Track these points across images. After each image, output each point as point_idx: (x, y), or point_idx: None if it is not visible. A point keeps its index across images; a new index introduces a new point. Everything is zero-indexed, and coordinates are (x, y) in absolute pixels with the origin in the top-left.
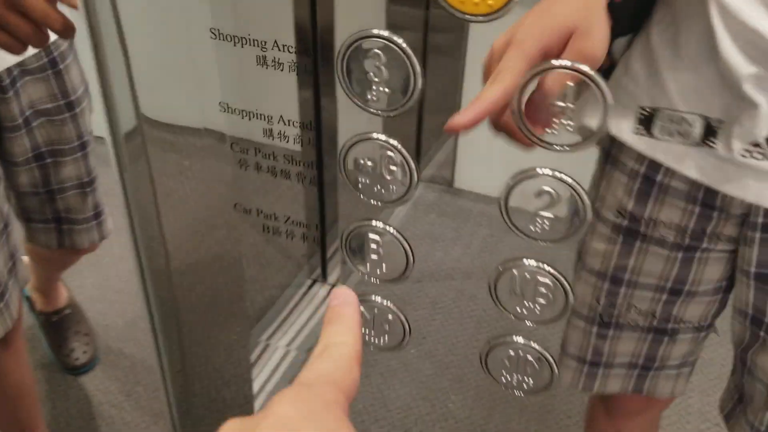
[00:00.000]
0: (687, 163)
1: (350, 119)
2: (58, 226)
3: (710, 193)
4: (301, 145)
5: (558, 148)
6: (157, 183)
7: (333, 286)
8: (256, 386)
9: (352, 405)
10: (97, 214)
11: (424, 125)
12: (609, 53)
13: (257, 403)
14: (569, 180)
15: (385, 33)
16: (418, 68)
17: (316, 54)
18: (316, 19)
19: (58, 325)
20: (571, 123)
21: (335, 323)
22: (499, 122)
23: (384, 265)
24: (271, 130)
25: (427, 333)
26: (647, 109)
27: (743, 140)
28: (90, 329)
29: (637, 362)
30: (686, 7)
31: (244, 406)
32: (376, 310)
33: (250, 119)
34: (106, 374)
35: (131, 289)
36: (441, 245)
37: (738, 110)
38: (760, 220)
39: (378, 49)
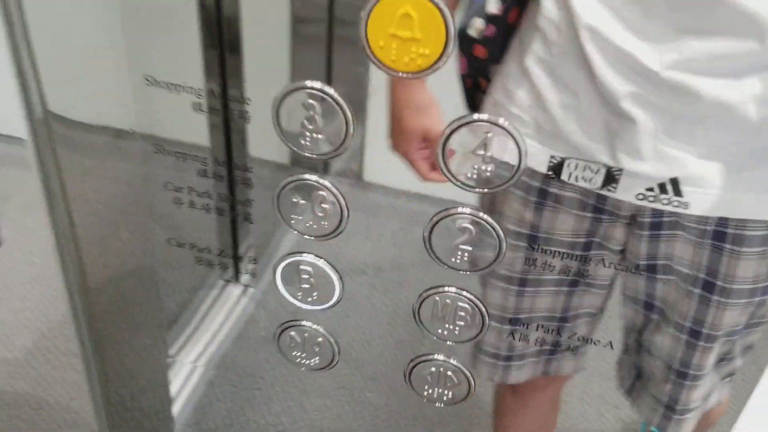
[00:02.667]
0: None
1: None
2: None
3: (601, 200)
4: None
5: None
6: (68, 185)
7: (246, 286)
8: (173, 389)
9: (270, 407)
10: None
11: None
12: (485, 77)
13: (175, 407)
14: (488, 219)
15: (319, 84)
16: (351, 117)
17: (225, 93)
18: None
19: None
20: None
21: None
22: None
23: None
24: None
25: (342, 331)
26: (557, 157)
27: (626, 152)
28: None
29: (543, 349)
30: (556, 35)
31: (161, 412)
32: (306, 334)
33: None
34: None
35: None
36: (352, 241)
37: (618, 126)
38: (647, 220)
39: (312, 99)
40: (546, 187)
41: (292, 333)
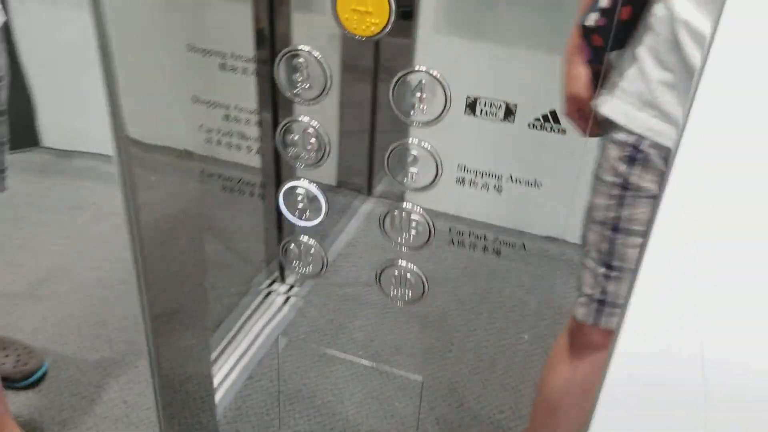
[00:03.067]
0: (664, 136)
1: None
2: None
3: None
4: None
5: None
6: (138, 197)
7: (291, 286)
8: (216, 380)
9: (312, 401)
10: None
11: (376, 145)
12: (602, 63)
13: (218, 395)
14: (428, 146)
15: (308, 48)
16: (330, 73)
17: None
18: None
19: None
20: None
21: None
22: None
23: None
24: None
25: (375, 336)
26: (471, 97)
27: None
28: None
29: None
30: (662, 28)
31: (205, 397)
32: (302, 246)
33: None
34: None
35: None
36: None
37: None
38: None
39: (303, 58)
40: (638, 144)
41: (292, 246)
